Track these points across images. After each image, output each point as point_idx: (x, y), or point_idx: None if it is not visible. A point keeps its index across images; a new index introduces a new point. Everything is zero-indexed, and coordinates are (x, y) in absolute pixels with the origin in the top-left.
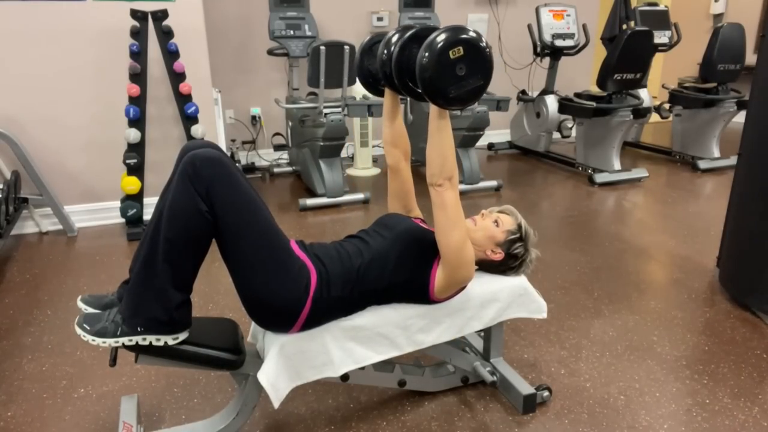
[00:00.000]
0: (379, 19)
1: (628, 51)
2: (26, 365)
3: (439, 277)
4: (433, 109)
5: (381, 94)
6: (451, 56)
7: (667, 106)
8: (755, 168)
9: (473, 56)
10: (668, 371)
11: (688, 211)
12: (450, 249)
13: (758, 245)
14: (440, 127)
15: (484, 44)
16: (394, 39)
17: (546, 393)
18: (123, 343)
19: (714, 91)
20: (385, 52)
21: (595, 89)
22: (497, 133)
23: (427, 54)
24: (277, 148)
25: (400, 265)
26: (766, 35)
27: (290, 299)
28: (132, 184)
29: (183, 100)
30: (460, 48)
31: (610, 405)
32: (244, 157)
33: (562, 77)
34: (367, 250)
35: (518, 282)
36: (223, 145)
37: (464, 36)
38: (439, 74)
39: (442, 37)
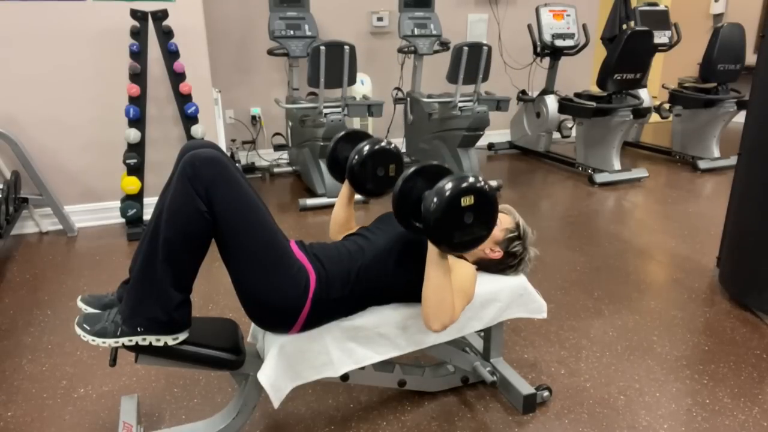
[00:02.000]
0: (379, 19)
1: (628, 51)
2: (26, 365)
3: None
4: (432, 248)
5: (342, 180)
6: (462, 204)
7: (667, 106)
8: (755, 168)
9: (483, 206)
10: (668, 371)
11: (688, 211)
12: None
13: (758, 245)
14: (438, 267)
15: (494, 195)
16: (365, 149)
17: (546, 393)
18: (123, 343)
19: (714, 91)
20: (356, 157)
21: (595, 89)
22: (497, 133)
23: (436, 199)
24: (277, 148)
25: (401, 264)
26: (766, 35)
27: (289, 300)
28: (132, 184)
29: (183, 100)
30: (472, 197)
31: (610, 405)
32: (244, 157)
33: (562, 77)
34: (369, 247)
35: (518, 282)
36: (223, 145)
37: (477, 186)
38: (446, 220)
39: (454, 183)
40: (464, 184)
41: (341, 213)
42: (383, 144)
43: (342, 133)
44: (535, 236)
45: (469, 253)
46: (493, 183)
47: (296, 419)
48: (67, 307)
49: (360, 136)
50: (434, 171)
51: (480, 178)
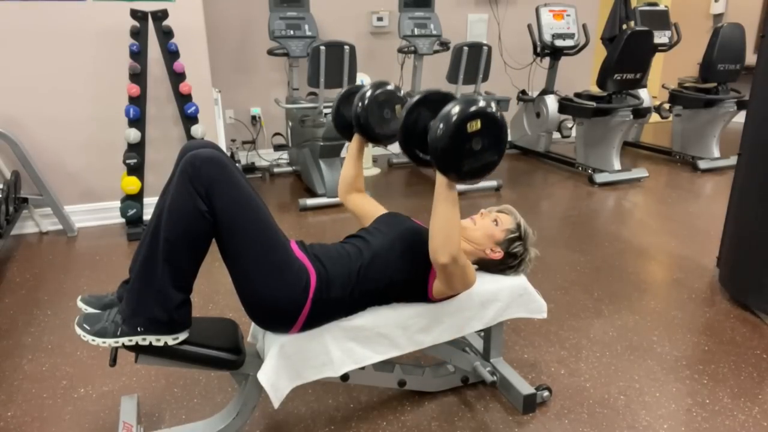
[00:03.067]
0: (379, 19)
1: (628, 51)
2: (26, 365)
3: (437, 282)
4: (440, 178)
5: (350, 138)
6: (469, 130)
7: (667, 106)
8: (755, 168)
9: (491, 130)
10: (668, 371)
11: (688, 211)
12: (449, 287)
13: (758, 245)
14: (447, 197)
15: (502, 118)
16: (368, 94)
17: (546, 393)
18: (123, 343)
19: (714, 91)
20: (359, 105)
21: (595, 89)
22: None
23: (442, 125)
24: (277, 148)
25: (400, 264)
26: (766, 35)
27: (289, 300)
28: (132, 184)
29: (183, 100)
30: (479, 121)
31: (610, 405)
32: (244, 157)
33: (562, 77)
34: (368, 248)
35: (518, 282)
36: (223, 145)
37: (483, 109)
38: (454, 147)
39: (459, 108)
40: (468, 109)
41: (350, 170)
42: (386, 86)
43: (343, 91)
44: (536, 237)
45: (470, 252)
46: (493, 183)
47: (296, 419)
48: (67, 307)
49: (359, 90)
50: (438, 98)
51: (486, 101)
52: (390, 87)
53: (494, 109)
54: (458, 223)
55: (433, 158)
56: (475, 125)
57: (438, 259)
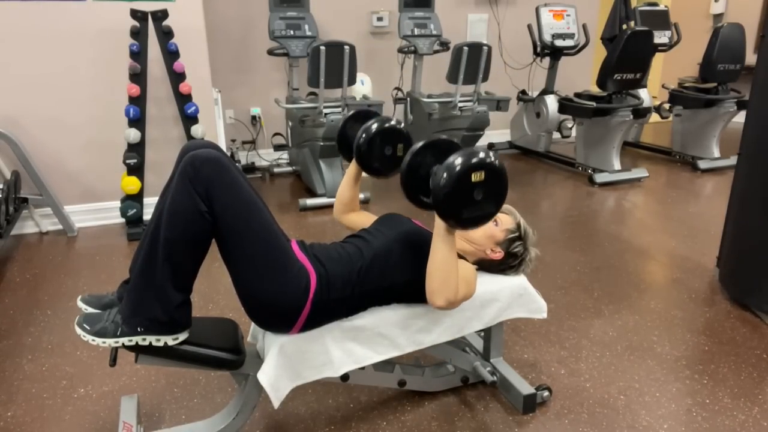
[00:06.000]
0: (379, 19)
1: (628, 51)
2: (26, 365)
3: None
4: (440, 223)
5: (350, 159)
6: (473, 179)
7: (667, 106)
8: (755, 168)
9: (493, 183)
10: (668, 371)
11: (688, 211)
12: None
13: (758, 245)
14: (445, 241)
15: (505, 172)
16: (373, 128)
17: (546, 393)
18: (123, 343)
19: (714, 91)
20: (363, 136)
21: (595, 89)
22: (497, 133)
23: (446, 174)
24: (277, 148)
25: (400, 265)
26: (766, 35)
27: (289, 300)
28: (132, 184)
29: (183, 100)
30: (483, 173)
31: (610, 405)
32: (244, 157)
33: (562, 77)
34: (368, 249)
35: (518, 282)
36: (223, 145)
37: (488, 162)
38: (456, 196)
39: (465, 158)
40: (475, 160)
41: (347, 192)
42: (392, 123)
43: (352, 111)
44: (536, 236)
45: (470, 253)
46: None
47: (296, 419)
48: (67, 307)
49: (370, 115)
50: (443, 146)
51: (491, 154)
52: (395, 124)
53: (499, 163)
54: (455, 266)
55: (434, 204)
56: (480, 176)
57: (434, 302)
